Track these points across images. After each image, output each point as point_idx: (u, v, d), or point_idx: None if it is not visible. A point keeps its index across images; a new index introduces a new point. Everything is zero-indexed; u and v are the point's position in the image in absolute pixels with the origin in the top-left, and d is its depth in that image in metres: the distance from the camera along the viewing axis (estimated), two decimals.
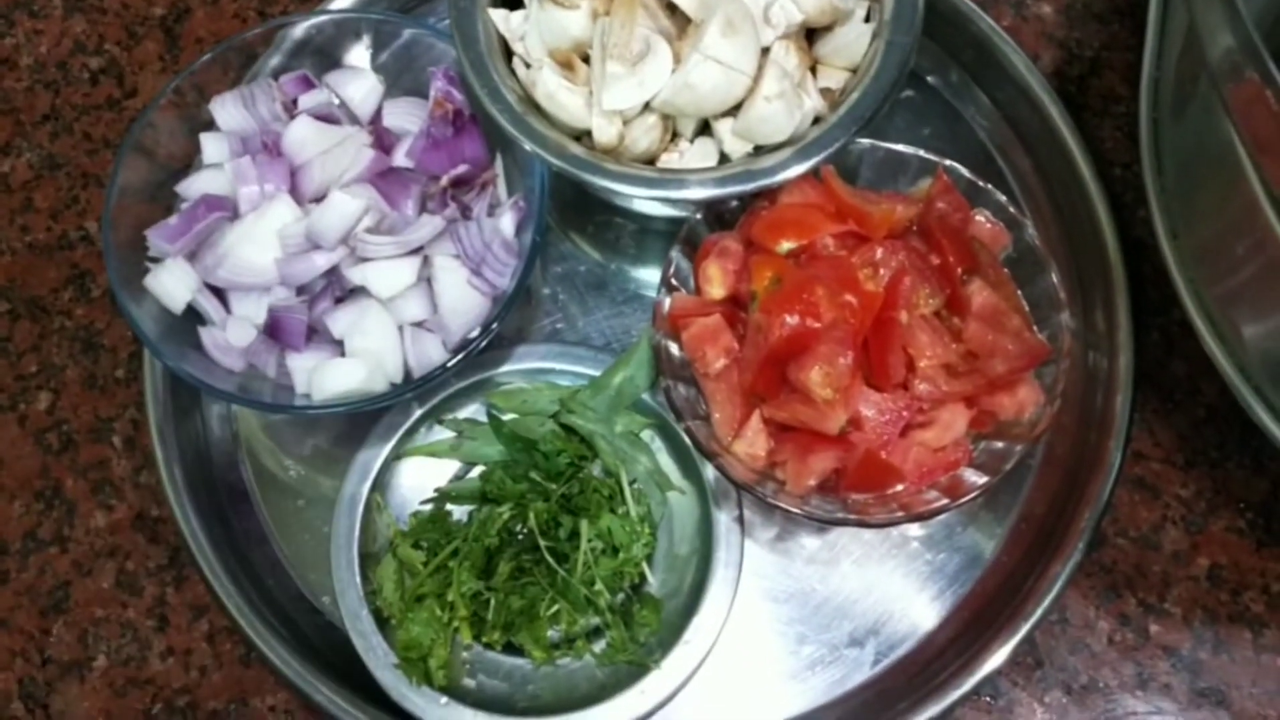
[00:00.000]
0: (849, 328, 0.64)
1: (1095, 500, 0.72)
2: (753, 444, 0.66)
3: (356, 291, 0.72)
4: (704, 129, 0.73)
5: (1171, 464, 0.75)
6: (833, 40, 0.73)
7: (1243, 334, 0.63)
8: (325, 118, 0.76)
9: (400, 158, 0.76)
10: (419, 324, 0.72)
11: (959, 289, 0.67)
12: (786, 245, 0.68)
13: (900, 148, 0.72)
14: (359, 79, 0.78)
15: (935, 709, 0.69)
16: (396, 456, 0.75)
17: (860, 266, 0.66)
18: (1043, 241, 0.69)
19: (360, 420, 0.75)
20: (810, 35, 0.74)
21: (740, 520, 0.72)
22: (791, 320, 0.64)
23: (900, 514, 0.64)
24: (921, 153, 0.71)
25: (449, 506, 0.75)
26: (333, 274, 0.72)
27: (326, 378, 0.69)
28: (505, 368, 0.76)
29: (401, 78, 0.80)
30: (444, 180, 0.75)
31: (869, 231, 0.67)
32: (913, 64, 0.70)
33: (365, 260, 0.71)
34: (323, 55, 0.79)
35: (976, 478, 0.65)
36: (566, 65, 0.73)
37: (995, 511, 0.76)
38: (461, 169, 0.75)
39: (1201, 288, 0.65)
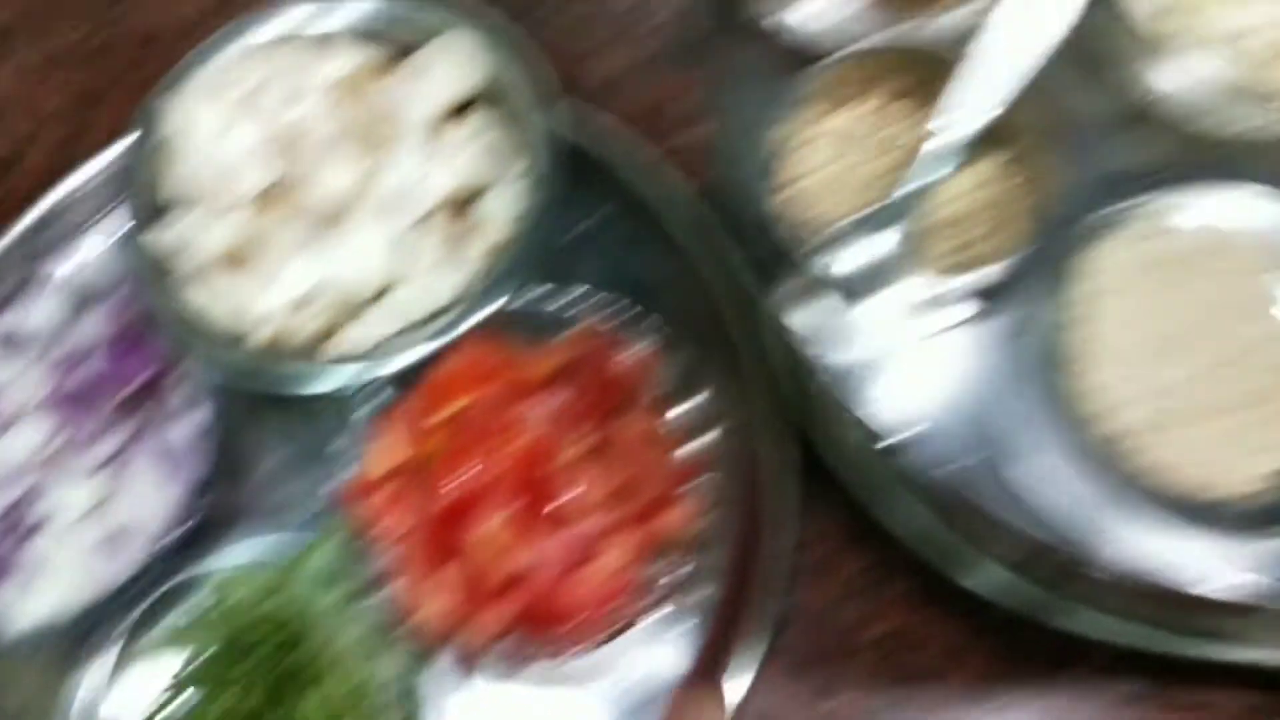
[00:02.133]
0: (512, 480, 0.69)
1: (775, 589, 0.76)
2: (437, 603, 0.70)
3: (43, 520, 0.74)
4: (373, 299, 0.78)
5: (844, 541, 0.81)
6: (486, 203, 0.79)
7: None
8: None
9: (84, 373, 0.78)
10: (113, 534, 0.74)
11: (612, 423, 0.73)
12: (449, 410, 0.73)
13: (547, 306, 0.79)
14: (40, 302, 0.81)
15: None
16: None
17: (517, 419, 0.72)
18: (695, 362, 0.77)
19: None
20: (466, 200, 0.80)
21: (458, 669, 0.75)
22: (458, 480, 0.69)
23: (587, 642, 0.70)
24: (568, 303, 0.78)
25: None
26: (16, 507, 0.74)
27: (23, 611, 0.71)
28: (211, 560, 0.78)
29: (87, 292, 0.83)
30: (132, 386, 0.78)
31: (524, 384, 0.73)
32: (564, 213, 0.77)
33: (49, 487, 0.73)
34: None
35: (655, 594, 0.72)
36: (234, 260, 0.77)
37: (677, 623, 0.75)
38: (149, 372, 0.78)
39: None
